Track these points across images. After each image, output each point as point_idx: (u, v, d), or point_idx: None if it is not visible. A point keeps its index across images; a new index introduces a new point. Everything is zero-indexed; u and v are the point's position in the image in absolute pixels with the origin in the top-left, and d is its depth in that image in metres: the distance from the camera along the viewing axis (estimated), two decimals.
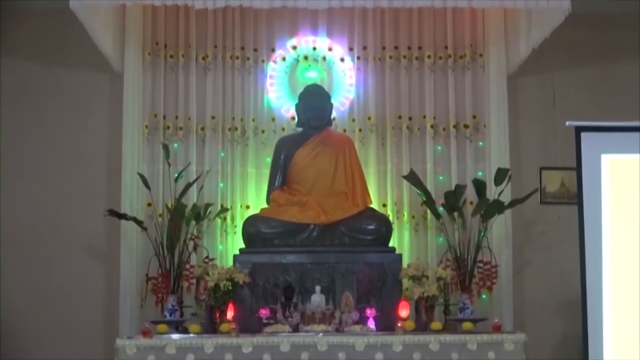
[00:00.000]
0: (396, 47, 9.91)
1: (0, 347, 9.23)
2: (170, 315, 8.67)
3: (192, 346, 7.89)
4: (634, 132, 5.92)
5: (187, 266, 8.96)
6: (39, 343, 9.45)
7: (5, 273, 9.49)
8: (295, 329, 8.21)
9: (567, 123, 6.05)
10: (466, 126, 9.78)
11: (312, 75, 9.91)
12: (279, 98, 9.91)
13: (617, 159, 5.94)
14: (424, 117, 9.80)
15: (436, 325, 8.34)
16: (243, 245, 9.09)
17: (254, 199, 9.63)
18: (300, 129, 9.58)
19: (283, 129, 9.82)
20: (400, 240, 9.52)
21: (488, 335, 8.04)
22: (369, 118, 9.80)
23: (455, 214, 9.17)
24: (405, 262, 9.04)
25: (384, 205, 9.64)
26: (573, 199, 9.43)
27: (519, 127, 9.97)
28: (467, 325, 8.40)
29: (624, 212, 6.10)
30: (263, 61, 9.90)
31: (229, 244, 9.50)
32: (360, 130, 9.80)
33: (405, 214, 9.63)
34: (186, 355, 7.84)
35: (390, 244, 9.18)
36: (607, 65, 10.10)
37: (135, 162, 9.44)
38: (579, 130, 5.94)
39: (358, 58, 9.90)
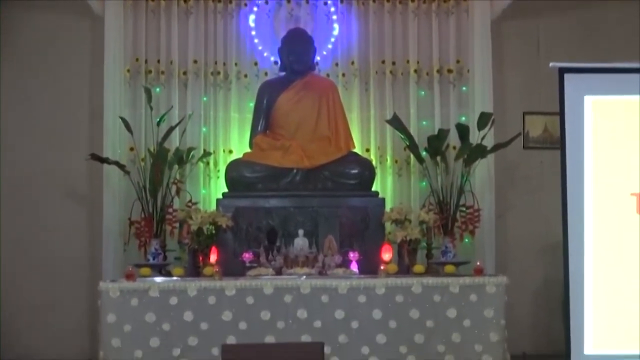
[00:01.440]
0: None
1: None
2: (154, 259, 8.68)
3: (176, 289, 7.91)
4: (618, 73, 5.90)
5: (170, 210, 8.95)
6: (20, 287, 9.45)
7: None
8: (279, 272, 8.25)
9: (550, 64, 6.03)
10: (450, 71, 9.74)
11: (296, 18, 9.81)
12: (261, 42, 9.83)
13: (600, 100, 5.93)
14: (408, 61, 9.76)
15: (419, 268, 8.39)
16: (226, 190, 9.08)
17: (236, 143, 9.60)
18: (283, 74, 9.53)
19: (266, 74, 9.76)
20: (384, 185, 9.53)
21: (470, 278, 8.09)
22: (353, 63, 9.75)
23: (439, 158, 9.18)
24: (388, 206, 9.07)
25: (367, 150, 9.63)
26: (556, 143, 9.46)
27: (502, 72, 9.96)
28: (449, 268, 8.46)
29: (606, 154, 6.09)
30: (245, 5, 9.80)
31: (212, 189, 9.49)
32: (343, 75, 9.75)
33: (389, 158, 9.63)
34: (170, 298, 7.87)
35: (374, 189, 9.20)
36: (591, 10, 10.06)
37: (117, 106, 9.37)
38: (562, 71, 5.92)
39: (342, 2, 9.81)
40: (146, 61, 9.60)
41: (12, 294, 9.41)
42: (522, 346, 9.23)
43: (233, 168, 9.06)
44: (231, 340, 7.72)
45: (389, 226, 8.84)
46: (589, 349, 5.37)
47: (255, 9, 9.81)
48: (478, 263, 8.38)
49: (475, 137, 9.10)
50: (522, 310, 9.44)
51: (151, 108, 9.14)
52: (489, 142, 9.09)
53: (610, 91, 6.02)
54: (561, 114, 6.07)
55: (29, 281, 9.46)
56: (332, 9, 9.82)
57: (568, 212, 5.98)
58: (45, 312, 9.45)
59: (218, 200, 8.97)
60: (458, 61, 9.76)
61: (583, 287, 5.71)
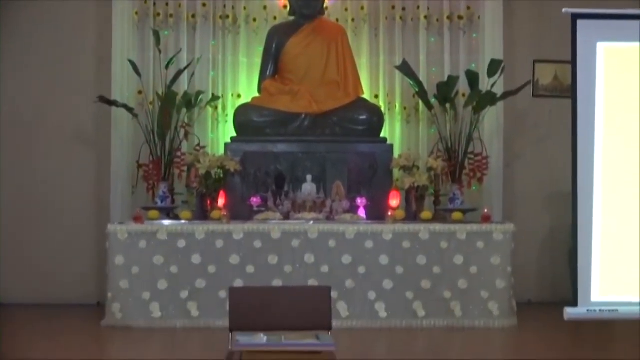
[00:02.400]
0: None
1: None
2: (162, 202, 8.70)
3: (184, 232, 7.96)
4: (631, 20, 5.81)
5: (179, 154, 8.95)
6: (30, 231, 9.48)
7: None
8: (286, 217, 8.28)
9: (563, 10, 5.94)
10: (460, 17, 9.65)
11: None
12: None
13: (613, 47, 5.84)
14: (418, 8, 9.65)
15: (426, 215, 8.41)
16: (234, 134, 9.07)
17: (245, 88, 9.56)
18: (292, 18, 9.46)
19: (275, 18, 9.67)
20: (392, 131, 9.49)
21: (477, 225, 8.13)
22: (362, 8, 9.65)
23: (448, 105, 9.14)
24: (396, 152, 9.06)
25: (376, 97, 9.58)
26: (566, 92, 9.43)
27: (513, 19, 9.85)
28: (456, 215, 8.47)
29: (618, 102, 6.02)
30: None
31: (220, 133, 9.46)
32: (353, 20, 9.66)
33: (397, 105, 9.59)
34: (177, 241, 7.92)
35: (382, 135, 9.18)
36: None
37: (126, 49, 9.32)
38: (575, 17, 5.83)
39: None
40: (155, 4, 9.51)
41: (20, 238, 9.45)
42: (527, 294, 9.29)
43: (241, 112, 9.03)
44: (238, 283, 7.79)
45: (397, 173, 8.84)
46: (595, 295, 5.36)
47: None
48: (485, 210, 8.41)
49: (484, 84, 9.05)
50: (528, 258, 9.46)
51: (159, 51, 9.09)
52: (498, 90, 9.04)
53: (624, 38, 5.92)
54: (573, 61, 5.99)
55: (37, 224, 9.48)
56: None
57: (578, 160, 5.93)
58: (53, 256, 9.47)
59: (226, 144, 8.96)
60: (468, 8, 9.66)
61: (591, 235, 5.68)
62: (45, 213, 9.51)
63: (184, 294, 7.88)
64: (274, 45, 9.35)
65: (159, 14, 9.49)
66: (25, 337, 7.46)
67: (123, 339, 7.49)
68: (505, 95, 9.05)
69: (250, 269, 7.90)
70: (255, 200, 8.39)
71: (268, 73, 9.35)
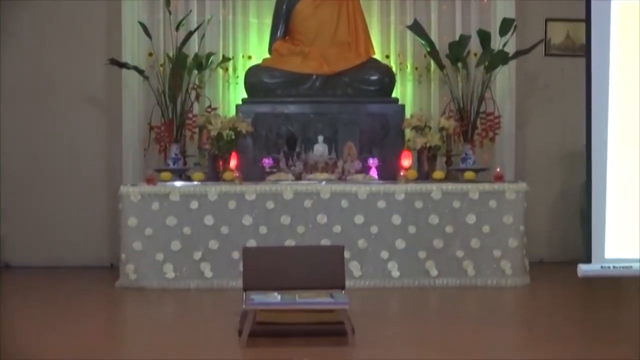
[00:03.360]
0: None
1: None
2: (174, 164, 8.70)
3: (196, 193, 7.97)
4: None
5: (190, 115, 8.94)
6: (42, 194, 9.52)
7: (5, 126, 9.47)
8: (298, 178, 8.28)
9: None
10: None
11: None
12: None
13: (628, 4, 5.79)
14: None
15: (438, 174, 8.40)
16: (245, 96, 9.05)
17: (256, 49, 9.51)
18: None
19: None
20: (403, 92, 9.46)
21: (490, 185, 8.12)
22: None
23: (459, 65, 9.10)
24: (408, 112, 9.03)
25: (387, 57, 9.53)
26: (578, 51, 9.38)
27: None
28: (469, 174, 8.46)
29: (632, 61, 5.96)
30: None
31: (231, 95, 9.44)
32: None
33: (409, 65, 9.54)
34: (190, 202, 7.94)
35: (393, 95, 9.15)
36: None
37: (136, 12, 9.27)
38: None
39: None
40: None
41: (32, 201, 9.50)
42: (539, 253, 9.31)
43: (252, 74, 9.01)
44: (251, 244, 7.81)
45: (408, 133, 8.81)
46: (609, 252, 5.36)
47: None
48: (498, 170, 8.40)
49: (496, 43, 8.99)
50: (540, 218, 9.46)
51: (170, 13, 9.05)
52: (510, 49, 8.98)
53: None
54: (587, 19, 5.94)
55: (50, 187, 9.51)
56: None
57: (592, 118, 5.91)
58: (65, 218, 9.52)
59: (237, 106, 8.94)
60: None
61: (605, 192, 5.67)
62: (58, 176, 9.54)
63: (197, 255, 7.91)
64: (284, 6, 9.30)
65: None
66: (39, 300, 7.50)
67: (137, 299, 7.53)
68: (517, 54, 9.00)
69: (263, 229, 7.92)
70: (267, 162, 8.39)
71: (279, 34, 9.31)
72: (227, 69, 9.42)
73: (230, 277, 7.75)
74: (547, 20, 9.73)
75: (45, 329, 6.08)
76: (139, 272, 7.92)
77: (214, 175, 8.48)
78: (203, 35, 9.22)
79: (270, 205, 7.96)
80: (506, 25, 8.92)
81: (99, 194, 9.52)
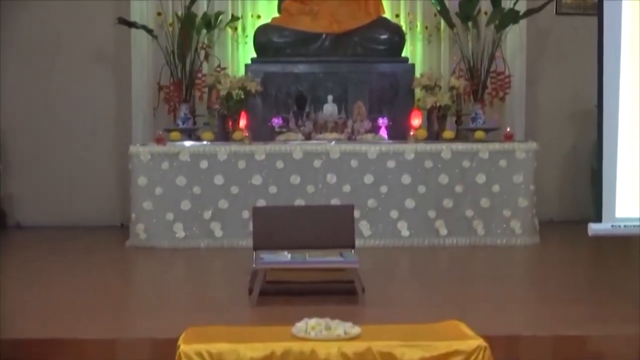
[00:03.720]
0: None
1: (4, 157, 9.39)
2: (183, 124, 8.68)
3: (206, 153, 7.97)
4: None
5: (199, 75, 8.90)
6: (52, 154, 9.54)
7: (14, 86, 9.46)
8: (308, 138, 8.26)
9: None
10: None
11: None
12: None
13: None
14: None
15: (448, 134, 8.38)
16: (254, 55, 9.01)
17: (265, 8, 9.44)
18: None
19: None
20: (413, 51, 9.41)
21: (500, 144, 8.09)
22: None
23: (470, 23, 9.02)
24: (417, 72, 8.99)
25: (397, 16, 9.45)
26: (589, 9, 9.28)
27: None
28: (479, 134, 8.43)
29: None
30: None
31: (240, 54, 9.40)
32: None
33: (419, 24, 9.47)
34: (200, 162, 7.94)
35: (403, 54, 9.10)
36: None
37: None
38: None
39: None
40: None
41: (42, 161, 9.52)
42: (549, 213, 9.29)
43: (261, 33, 8.96)
44: (261, 204, 7.81)
45: (418, 92, 8.78)
46: (620, 211, 5.36)
47: None
48: (508, 129, 8.37)
49: (507, 2, 8.90)
50: (550, 177, 9.44)
51: None
52: (521, 8, 8.88)
53: None
54: None
55: (59, 147, 9.53)
56: None
57: (604, 77, 5.86)
58: (75, 178, 9.54)
59: (247, 65, 8.91)
60: None
61: (616, 151, 5.64)
62: (68, 136, 9.56)
63: (207, 215, 7.92)
64: None
65: None
66: (49, 259, 7.54)
67: (147, 259, 7.56)
68: (528, 12, 8.91)
69: (272, 189, 7.92)
70: (276, 121, 8.37)
71: None
72: (236, 29, 9.37)
73: (240, 236, 7.76)
74: None
75: (56, 288, 6.11)
76: (149, 231, 7.93)
77: (224, 135, 8.46)
78: None
79: (279, 165, 7.95)
80: None
81: (108, 153, 9.52)
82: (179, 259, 7.56)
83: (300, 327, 3.88)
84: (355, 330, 3.89)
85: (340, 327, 3.87)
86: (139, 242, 7.95)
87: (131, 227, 8.07)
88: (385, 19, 9.15)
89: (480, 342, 3.84)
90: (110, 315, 5.18)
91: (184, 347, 3.73)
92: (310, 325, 3.86)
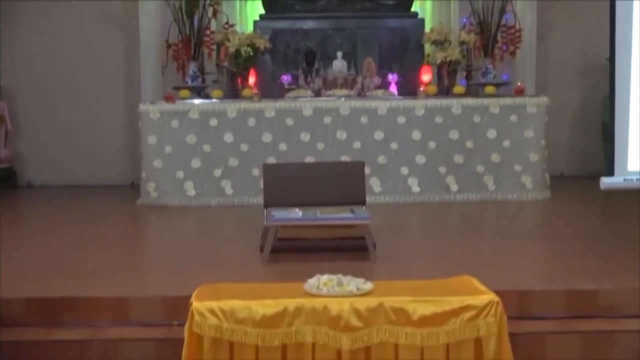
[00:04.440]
0: None
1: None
2: (192, 82, 8.65)
3: (216, 111, 7.94)
4: None
5: (208, 32, 8.83)
6: (62, 114, 9.54)
7: (22, 47, 9.43)
8: (317, 94, 8.23)
9: None
10: None
11: None
12: None
13: None
14: None
15: (458, 89, 8.33)
16: (263, 12, 8.95)
17: None
18: None
19: None
20: (423, 5, 9.34)
21: (510, 99, 8.05)
22: None
23: None
24: (427, 27, 8.92)
25: None
26: None
27: None
28: (489, 89, 8.37)
29: None
30: None
31: (249, 11, 9.35)
32: None
33: None
34: (210, 120, 7.92)
35: (413, 9, 9.03)
36: None
37: None
38: None
39: None
40: None
41: (52, 120, 9.53)
42: (559, 167, 9.27)
43: None
44: (271, 161, 7.78)
45: (428, 47, 8.72)
46: (632, 165, 5.33)
47: None
48: (519, 84, 8.32)
49: None
50: (560, 132, 9.40)
51: None
52: None
53: None
54: None
55: (69, 107, 9.53)
56: None
57: (616, 30, 5.81)
58: (86, 137, 9.55)
59: (255, 22, 8.86)
60: None
61: (629, 105, 5.61)
62: (77, 95, 9.55)
63: (218, 173, 7.92)
64: None
65: None
66: (60, 218, 7.55)
67: (158, 217, 7.57)
68: None
69: (282, 146, 7.91)
70: (285, 78, 8.34)
71: None
72: None
73: (251, 194, 7.77)
74: None
75: (67, 246, 6.13)
76: (160, 190, 7.94)
77: (233, 92, 8.43)
78: None
79: (289, 122, 7.93)
80: None
81: (118, 112, 9.52)
82: (190, 217, 7.56)
83: (312, 283, 3.88)
84: (368, 286, 3.90)
85: (353, 284, 3.88)
86: (150, 200, 7.96)
87: (142, 186, 8.07)
88: None
89: (492, 297, 3.84)
90: (122, 274, 5.19)
91: (196, 304, 3.75)
92: (322, 282, 3.87)
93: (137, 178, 8.46)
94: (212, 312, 3.72)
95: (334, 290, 3.82)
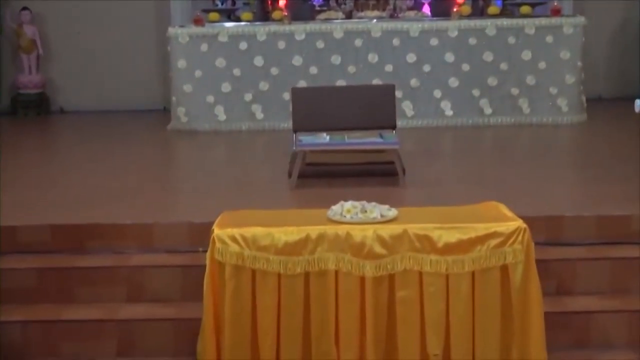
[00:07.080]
0: None
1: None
2: (222, 4, 8.55)
3: (245, 34, 7.84)
4: None
5: None
6: (92, 39, 9.50)
7: None
8: (349, 16, 8.11)
9: None
10: None
11: None
12: None
13: None
14: None
15: (493, 9, 8.14)
16: None
17: None
18: None
19: None
20: None
21: (547, 19, 7.85)
22: None
23: None
24: None
25: None
26: None
27: None
28: (525, 9, 8.15)
29: None
30: None
31: None
32: None
33: None
34: (239, 43, 7.82)
35: None
36: None
37: None
38: None
39: None
40: None
41: (82, 46, 9.49)
42: (597, 89, 9.08)
43: None
44: (302, 84, 7.70)
45: None
46: None
47: None
48: (555, 3, 8.09)
49: None
50: (598, 53, 9.20)
51: None
52: None
53: None
54: None
55: (99, 32, 9.47)
56: None
57: None
58: (116, 62, 9.52)
59: None
60: None
61: None
62: (107, 20, 9.51)
63: (248, 97, 7.85)
64: None
65: None
66: (92, 143, 7.55)
67: (189, 142, 7.54)
68: None
69: (313, 70, 7.81)
70: (316, 0, 8.20)
71: None
72: None
73: (281, 118, 7.69)
74: None
75: (97, 172, 6.12)
76: (190, 114, 7.90)
77: (263, 14, 8.33)
78: None
79: (320, 44, 7.80)
80: None
81: (148, 36, 9.45)
82: (220, 141, 7.53)
83: (335, 210, 3.82)
84: (392, 212, 3.82)
85: (377, 210, 3.81)
86: (181, 125, 7.92)
87: (172, 111, 8.04)
88: None
89: (519, 223, 3.75)
90: (149, 200, 5.17)
91: (217, 232, 3.70)
92: (345, 209, 3.80)
93: (169, 103, 8.42)
94: (234, 239, 3.67)
95: (357, 217, 3.76)
